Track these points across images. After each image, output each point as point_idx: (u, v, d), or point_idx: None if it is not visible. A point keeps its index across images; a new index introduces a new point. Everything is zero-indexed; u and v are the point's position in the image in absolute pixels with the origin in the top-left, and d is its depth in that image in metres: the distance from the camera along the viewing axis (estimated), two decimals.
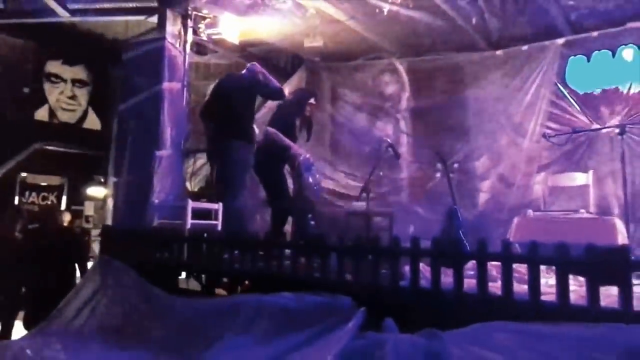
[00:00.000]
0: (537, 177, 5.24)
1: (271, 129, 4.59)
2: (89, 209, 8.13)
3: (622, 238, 3.37)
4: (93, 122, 9.02)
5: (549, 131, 5.34)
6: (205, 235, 3.55)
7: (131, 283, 3.28)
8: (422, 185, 6.23)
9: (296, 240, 3.68)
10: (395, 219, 5.68)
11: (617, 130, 4.03)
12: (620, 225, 3.53)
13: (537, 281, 2.16)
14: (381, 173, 6.09)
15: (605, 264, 2.17)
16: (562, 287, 2.11)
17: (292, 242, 3.52)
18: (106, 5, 5.44)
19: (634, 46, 5.11)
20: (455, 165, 6.13)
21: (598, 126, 4.92)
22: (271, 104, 6.01)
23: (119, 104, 5.05)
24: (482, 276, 2.25)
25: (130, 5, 5.34)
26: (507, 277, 2.19)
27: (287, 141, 4.38)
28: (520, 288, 2.27)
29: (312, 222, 4.80)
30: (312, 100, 4.87)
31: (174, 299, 3.11)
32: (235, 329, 2.62)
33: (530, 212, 4.41)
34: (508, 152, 5.77)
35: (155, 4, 5.20)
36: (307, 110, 4.82)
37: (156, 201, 4.34)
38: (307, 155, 4.32)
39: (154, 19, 5.26)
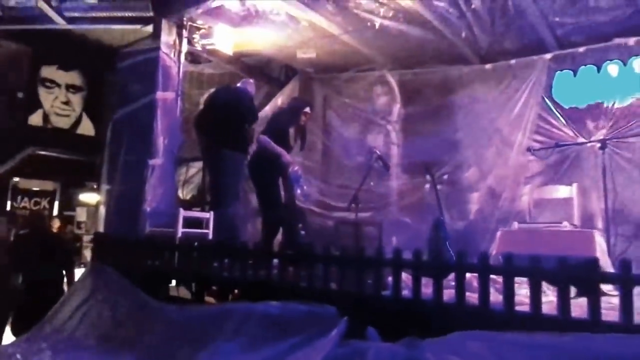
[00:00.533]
0: (524, 189, 5.34)
1: (263, 137, 4.67)
2: (81, 215, 8.17)
3: (600, 250, 3.48)
4: (87, 127, 9.07)
5: (535, 144, 5.50)
6: (195, 243, 3.62)
7: (122, 290, 3.35)
8: (411, 196, 6.34)
9: (284, 250, 3.76)
10: (385, 229, 5.79)
11: (598, 145, 4.16)
12: (598, 237, 3.64)
13: (512, 292, 2.25)
14: (372, 183, 6.20)
15: (575, 275, 2.27)
16: (535, 297, 2.20)
17: (279, 251, 3.59)
18: (102, 14, 5.53)
19: (619, 62, 5.25)
20: (445, 177, 6.26)
21: (583, 140, 5.03)
22: (267, 113, 6.12)
23: (113, 112, 5.13)
24: (461, 287, 2.35)
25: (126, 14, 5.43)
26: (484, 288, 2.29)
27: (278, 149, 4.46)
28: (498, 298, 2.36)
29: (303, 232, 4.89)
30: (306, 110, 4.93)
31: (163, 305, 3.18)
32: (224, 336, 2.70)
33: (515, 224, 4.52)
34: (496, 164, 5.87)
35: (150, 14, 5.30)
36: (302, 119, 4.90)
37: (148, 209, 4.42)
38: (296, 168, 4.41)
39: (150, 28, 5.39)
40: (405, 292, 2.59)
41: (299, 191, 4.32)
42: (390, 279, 2.66)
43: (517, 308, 2.27)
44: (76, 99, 9.03)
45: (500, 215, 5.51)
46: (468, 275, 2.46)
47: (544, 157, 4.96)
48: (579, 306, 2.23)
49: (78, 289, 3.78)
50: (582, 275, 2.22)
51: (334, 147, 6.86)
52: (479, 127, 6.07)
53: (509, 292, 2.21)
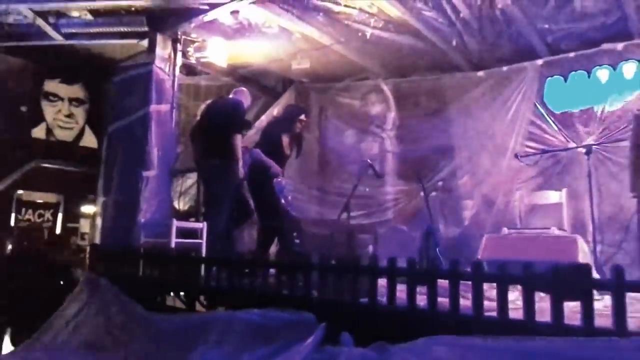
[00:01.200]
0: (516, 195, 5.39)
1: (255, 150, 4.78)
2: (84, 226, 8.31)
3: (582, 255, 3.53)
4: (89, 140, 9.21)
5: (528, 150, 5.55)
6: (183, 254, 3.72)
7: (114, 300, 3.45)
8: (407, 203, 6.41)
9: (279, 259, 3.84)
10: (380, 237, 5.86)
11: (584, 151, 4.22)
12: (582, 243, 3.69)
13: (505, 299, 2.28)
14: (367, 189, 6.28)
15: (568, 282, 2.31)
16: (528, 304, 2.22)
17: (273, 261, 3.68)
18: (98, 30, 5.67)
19: (609, 67, 5.30)
20: (440, 183, 6.32)
21: (573, 145, 5.08)
22: (263, 123, 6.23)
23: (108, 125, 5.27)
24: (455, 295, 2.40)
25: (122, 29, 5.56)
26: (454, 294, 2.36)
27: (268, 161, 4.57)
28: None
29: (297, 241, 4.98)
30: (301, 117, 5.01)
31: (153, 315, 3.28)
32: (208, 344, 2.78)
33: (504, 229, 4.58)
34: (490, 170, 5.93)
35: (146, 29, 5.44)
36: (297, 127, 4.98)
37: (142, 220, 4.52)
38: (279, 179, 4.50)
39: (146, 43, 5.53)
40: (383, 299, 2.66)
41: (282, 201, 4.40)
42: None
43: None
44: (79, 112, 9.19)
45: (494, 221, 5.54)
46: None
47: (531, 163, 5.01)
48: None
49: (73, 300, 3.88)
50: (573, 281, 2.25)
51: (331, 156, 6.95)
52: (472, 134, 6.15)
53: (502, 300, 2.25)
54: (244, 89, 5.10)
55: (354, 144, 6.87)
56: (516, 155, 4.74)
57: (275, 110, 6.68)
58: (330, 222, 5.95)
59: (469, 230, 5.89)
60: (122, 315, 3.32)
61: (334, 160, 6.89)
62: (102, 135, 8.73)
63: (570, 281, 2.24)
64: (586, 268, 2.30)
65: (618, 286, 2.08)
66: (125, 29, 5.53)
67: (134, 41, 5.72)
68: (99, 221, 5.08)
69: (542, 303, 2.31)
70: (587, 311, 2.08)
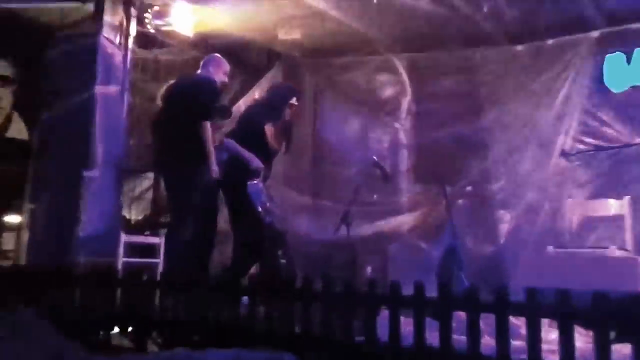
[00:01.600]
0: (566, 204, 5.41)
1: (228, 141, 4.77)
2: (8, 242, 8.29)
3: None
4: (18, 129, 9.22)
5: (581, 147, 5.59)
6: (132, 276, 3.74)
7: (41, 337, 3.45)
8: (425, 213, 6.42)
9: (254, 284, 3.85)
10: (391, 256, 5.91)
11: None
12: None
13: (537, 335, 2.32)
14: (375, 196, 6.32)
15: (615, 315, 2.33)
16: (565, 342, 2.26)
17: (246, 285, 3.68)
18: None
19: None
20: (468, 188, 6.36)
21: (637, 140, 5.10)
22: (241, 108, 6.24)
23: (41, 112, 5.29)
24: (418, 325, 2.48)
25: None
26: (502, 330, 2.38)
27: (246, 154, 4.56)
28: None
29: (283, 261, 5.00)
30: (292, 101, 4.99)
31: (93, 358, 3.29)
32: None
33: (550, 248, 4.60)
34: (532, 172, 5.97)
35: None
36: (287, 113, 4.97)
37: (81, 234, 4.53)
38: (256, 181, 4.50)
39: (91, 7, 5.55)
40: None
41: (260, 208, 4.41)
42: None
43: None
44: (5, 94, 9.20)
45: (537, 238, 5.58)
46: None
47: (584, 163, 5.06)
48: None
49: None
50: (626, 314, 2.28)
51: (327, 152, 6.96)
52: (510, 125, 6.18)
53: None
54: (218, 56, 5.03)
55: (359, 137, 6.89)
56: (564, 153, 4.76)
57: (257, 92, 6.69)
58: (325, 238, 6.01)
59: (505, 248, 5.92)
60: (51, 357, 3.32)
61: (333, 157, 6.89)
62: (34, 124, 8.81)
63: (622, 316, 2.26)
64: None
65: None
66: None
67: (77, 4, 5.76)
68: (25, 235, 5.09)
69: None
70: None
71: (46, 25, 7.94)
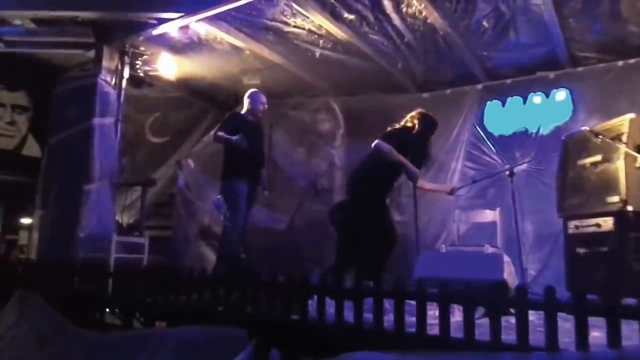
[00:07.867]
0: (455, 213, 5.62)
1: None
2: (23, 238, 8.02)
3: (508, 272, 3.77)
4: (32, 149, 8.94)
5: (468, 171, 5.85)
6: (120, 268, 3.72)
7: (46, 318, 3.40)
8: None
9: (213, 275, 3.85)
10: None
11: (507, 173, 4.66)
12: (507, 259, 3.96)
13: (423, 316, 2.46)
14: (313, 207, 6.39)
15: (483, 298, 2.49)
16: (443, 320, 2.39)
17: (208, 276, 3.70)
18: (43, 39, 5.58)
19: (542, 93, 5.69)
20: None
21: (508, 166, 5.36)
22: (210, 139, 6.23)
23: (50, 136, 5.18)
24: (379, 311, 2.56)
25: (67, 40, 5.50)
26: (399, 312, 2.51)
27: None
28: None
29: (243, 256, 5.04)
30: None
31: (86, 333, 3.26)
32: None
33: (443, 247, 4.78)
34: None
35: (92, 40, 5.39)
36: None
37: (81, 234, 4.47)
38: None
39: (92, 53, 5.47)
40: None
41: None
42: None
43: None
44: (22, 120, 8.91)
45: (434, 239, 5.78)
46: None
47: (465, 193, 5.45)
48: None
49: (4, 317, 3.78)
50: (491, 297, 2.42)
51: (279, 172, 7.01)
52: None
53: (398, 314, 2.41)
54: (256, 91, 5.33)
55: (303, 160, 6.97)
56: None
57: None
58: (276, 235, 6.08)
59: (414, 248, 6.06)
60: (54, 335, 3.28)
61: (283, 176, 6.95)
62: (45, 145, 8.56)
63: (485, 297, 2.43)
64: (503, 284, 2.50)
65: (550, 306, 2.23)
66: (71, 40, 5.48)
67: (81, 51, 5.66)
68: (36, 235, 4.97)
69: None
70: (495, 327, 2.27)
71: (56, 66, 7.78)
